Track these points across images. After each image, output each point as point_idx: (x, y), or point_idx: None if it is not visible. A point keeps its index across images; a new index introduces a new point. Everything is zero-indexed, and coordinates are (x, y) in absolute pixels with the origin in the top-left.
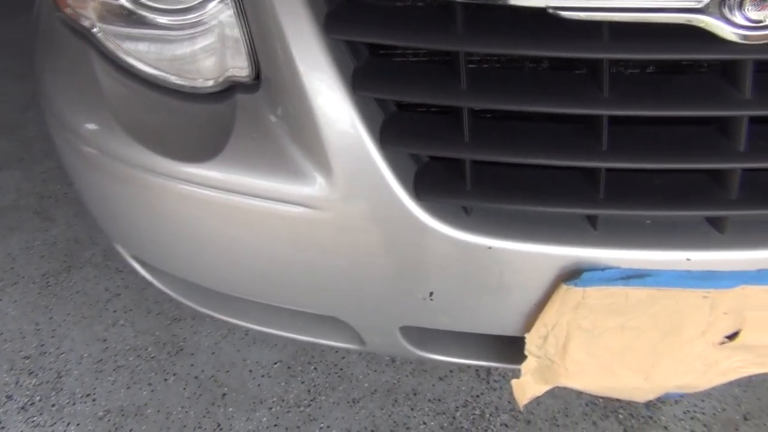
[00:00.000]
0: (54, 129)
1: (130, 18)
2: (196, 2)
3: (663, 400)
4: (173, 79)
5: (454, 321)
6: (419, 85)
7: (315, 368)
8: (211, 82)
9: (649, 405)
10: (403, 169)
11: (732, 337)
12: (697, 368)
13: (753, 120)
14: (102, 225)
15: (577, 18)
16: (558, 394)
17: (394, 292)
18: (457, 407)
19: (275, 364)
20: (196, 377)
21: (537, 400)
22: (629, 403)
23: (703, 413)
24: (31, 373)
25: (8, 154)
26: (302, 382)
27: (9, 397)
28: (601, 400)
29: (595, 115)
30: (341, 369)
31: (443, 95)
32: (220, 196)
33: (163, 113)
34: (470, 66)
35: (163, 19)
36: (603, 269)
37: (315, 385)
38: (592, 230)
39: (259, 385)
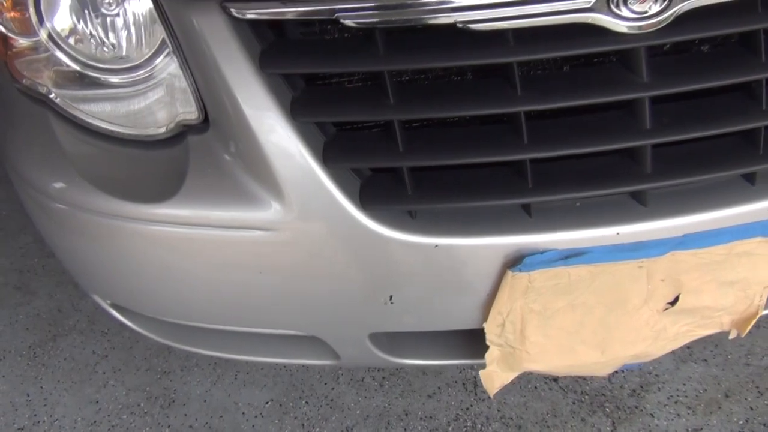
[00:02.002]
0: (23, 192)
1: (83, 81)
2: (144, 59)
3: (646, 389)
4: (129, 131)
5: (417, 321)
6: (351, 106)
7: (306, 402)
8: (163, 129)
9: (633, 394)
10: (349, 184)
11: (673, 302)
12: (647, 336)
13: (656, 100)
14: (76, 277)
15: (483, 29)
16: (545, 396)
17: (357, 301)
18: (448, 422)
19: (267, 403)
20: (190, 426)
21: (525, 405)
22: (614, 396)
23: (686, 396)
24: None
25: None
26: (295, 418)
27: None
28: (586, 396)
29: (513, 113)
30: (332, 400)
31: (373, 111)
32: (182, 231)
33: (123, 162)
34: (400, 81)
35: (114, 79)
36: (542, 252)
37: (308, 419)
38: (528, 218)
39: (253, 426)
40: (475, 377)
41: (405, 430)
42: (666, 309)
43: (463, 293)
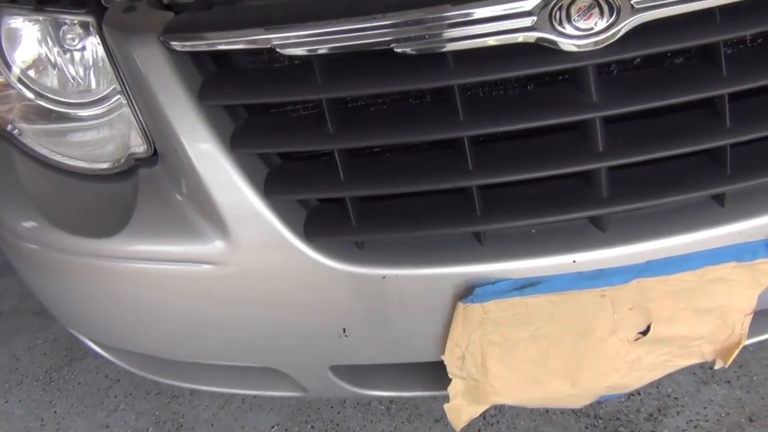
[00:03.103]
0: None
1: (49, 116)
2: (103, 94)
3: (664, 412)
4: (84, 164)
5: (374, 354)
6: (291, 136)
7: (312, 426)
8: (115, 163)
9: (649, 418)
10: (294, 216)
11: (645, 332)
12: (619, 367)
13: (614, 119)
14: (50, 311)
15: (420, 52)
16: (556, 420)
17: (311, 334)
18: None
19: (273, 427)
20: None
21: (535, 429)
22: (630, 420)
23: (707, 420)
24: None
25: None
26: None
27: None
28: (600, 421)
29: (456, 138)
30: (338, 424)
31: (313, 141)
32: (131, 266)
33: (77, 197)
34: (345, 109)
35: (81, 113)
36: (494, 283)
37: None
38: (480, 246)
39: None
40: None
41: None
42: (638, 339)
43: (417, 325)
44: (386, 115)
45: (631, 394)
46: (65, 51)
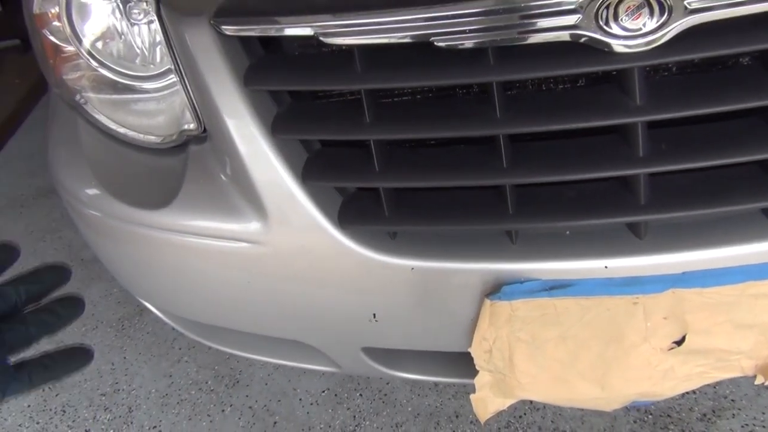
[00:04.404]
0: (59, 192)
1: (114, 87)
2: (165, 68)
3: (718, 414)
4: (140, 136)
5: (403, 340)
6: (329, 124)
7: (360, 395)
8: (167, 138)
9: (702, 418)
10: (330, 202)
11: (680, 342)
12: (651, 375)
13: (662, 123)
14: (109, 270)
15: (461, 47)
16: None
17: (343, 316)
18: (499, 428)
19: (323, 392)
20: (250, 407)
21: (581, 418)
22: (681, 418)
23: (764, 426)
24: (106, 408)
25: None
26: (348, 409)
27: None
28: (650, 416)
29: (494, 135)
30: (385, 395)
31: (350, 130)
32: (176, 238)
33: (133, 168)
34: (382, 101)
35: (145, 85)
36: (523, 282)
37: (360, 411)
38: (511, 244)
39: (308, 413)
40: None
41: (454, 431)
42: (671, 348)
43: (444, 317)
44: (424, 108)
45: (685, 393)
46: (132, 24)
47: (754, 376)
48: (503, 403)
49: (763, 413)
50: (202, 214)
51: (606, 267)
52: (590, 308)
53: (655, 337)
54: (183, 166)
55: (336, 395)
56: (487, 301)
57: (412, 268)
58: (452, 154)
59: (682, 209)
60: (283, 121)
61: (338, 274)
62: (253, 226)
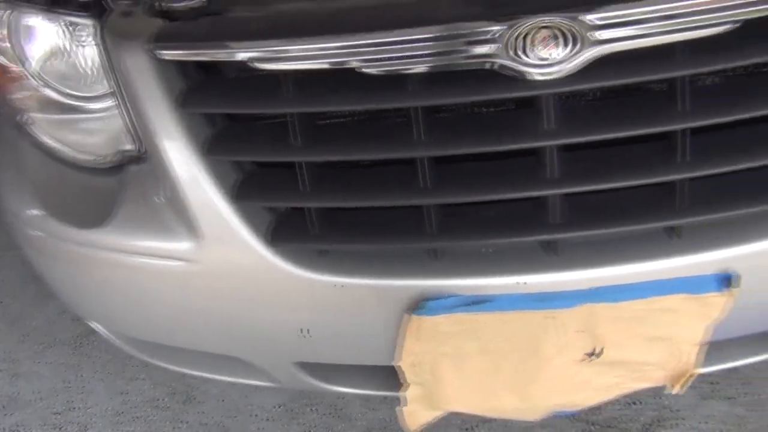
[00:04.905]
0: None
1: (57, 107)
2: (107, 91)
3: (661, 423)
4: (80, 156)
5: (335, 355)
6: (260, 145)
7: (312, 409)
8: (107, 158)
9: (645, 428)
10: (261, 221)
11: (594, 354)
12: (569, 386)
13: (576, 147)
14: (51, 289)
15: (385, 72)
16: (550, 423)
17: (275, 331)
18: None
19: (277, 407)
20: (204, 424)
21: (530, 429)
22: (625, 428)
23: None
24: (60, 428)
25: None
26: (301, 424)
27: None
28: (595, 426)
29: (414, 158)
30: (339, 409)
31: (279, 152)
32: (112, 256)
33: (73, 187)
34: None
35: (90, 105)
36: (444, 298)
37: (313, 426)
38: (434, 261)
39: (261, 428)
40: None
41: None
42: (584, 360)
43: (373, 332)
44: (352, 130)
45: (630, 402)
46: (77, 47)
47: (664, 386)
48: (432, 415)
49: (704, 423)
50: (138, 234)
51: (523, 283)
52: (508, 322)
53: (570, 350)
54: (121, 186)
55: (289, 411)
56: (411, 317)
57: (341, 285)
58: (378, 175)
59: (591, 228)
60: (216, 143)
61: (268, 290)
62: (186, 245)
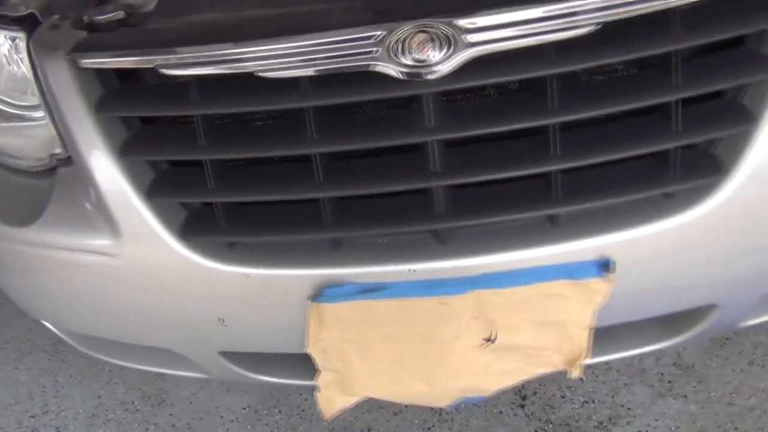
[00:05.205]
0: None
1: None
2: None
3: (614, 421)
4: (15, 160)
5: (254, 343)
6: (170, 146)
7: (279, 411)
8: (40, 161)
9: (599, 426)
10: (175, 216)
11: (490, 339)
12: (471, 371)
13: (450, 143)
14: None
15: (279, 77)
16: (508, 421)
17: (195, 322)
18: None
19: (244, 409)
20: (173, 425)
21: (486, 429)
22: (579, 426)
23: None
24: (34, 430)
25: None
26: (266, 425)
27: None
28: (550, 425)
29: (310, 154)
30: (303, 410)
31: (186, 152)
32: (42, 252)
33: (8, 189)
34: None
35: (28, 113)
36: (342, 285)
37: (278, 427)
38: (334, 251)
39: (228, 430)
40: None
41: None
42: (483, 345)
43: (282, 320)
44: (253, 131)
45: (585, 401)
46: (17, 59)
47: (567, 371)
48: (347, 401)
49: (656, 419)
50: (65, 230)
51: (413, 270)
52: (405, 309)
53: (467, 336)
54: (50, 186)
55: (256, 412)
56: (312, 304)
57: (248, 276)
58: (279, 171)
59: (474, 218)
60: (130, 144)
61: (183, 282)
62: (108, 241)
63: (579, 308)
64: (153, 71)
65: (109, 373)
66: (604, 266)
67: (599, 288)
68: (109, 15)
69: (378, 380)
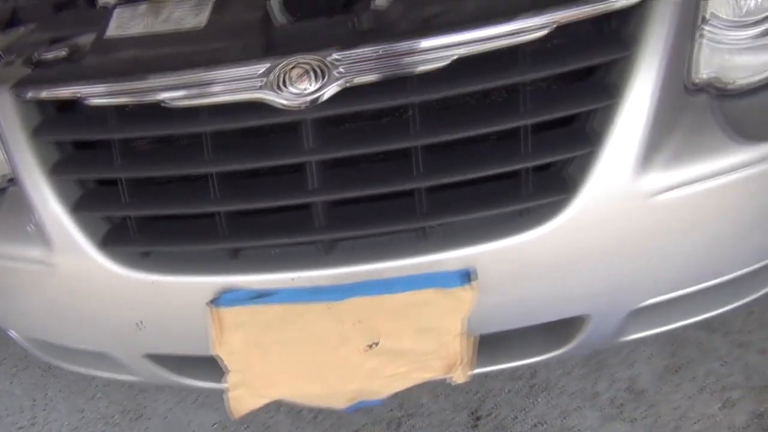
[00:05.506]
0: None
1: None
2: None
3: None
4: None
5: (170, 346)
6: (91, 166)
7: (247, 427)
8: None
9: None
10: (99, 229)
11: (374, 344)
12: (358, 374)
13: (327, 164)
14: None
15: (181, 105)
16: None
17: (118, 325)
18: None
19: (214, 425)
20: None
21: None
22: None
23: None
24: None
25: None
26: None
27: None
28: None
29: (207, 173)
30: (269, 427)
31: (104, 171)
32: None
33: None
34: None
35: None
36: (236, 291)
37: None
38: (233, 261)
39: None
40: (400, 417)
41: None
42: (368, 350)
43: (190, 323)
44: (164, 151)
45: (536, 423)
46: None
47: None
48: (256, 402)
49: None
50: (9, 242)
51: (295, 278)
52: (295, 314)
53: (353, 340)
54: (2, 203)
55: (225, 428)
56: (211, 308)
57: (156, 282)
58: (184, 188)
59: (350, 230)
60: (61, 165)
61: (104, 289)
62: (42, 252)
63: (449, 316)
64: (80, 101)
65: (95, 388)
66: (467, 276)
67: (464, 296)
68: (54, 53)
69: (279, 382)
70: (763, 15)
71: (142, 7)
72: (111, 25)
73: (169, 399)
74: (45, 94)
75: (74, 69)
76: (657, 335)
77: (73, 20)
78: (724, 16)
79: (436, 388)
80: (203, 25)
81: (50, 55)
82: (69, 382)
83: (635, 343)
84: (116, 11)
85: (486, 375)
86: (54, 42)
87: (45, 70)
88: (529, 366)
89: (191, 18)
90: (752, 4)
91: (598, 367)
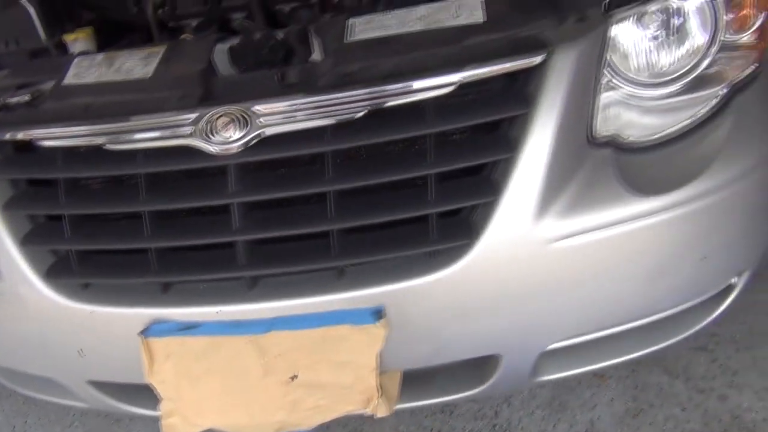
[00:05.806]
0: None
1: None
2: None
3: None
4: None
5: (112, 373)
6: (39, 203)
7: None
8: None
9: None
10: (45, 261)
11: (295, 377)
12: (281, 406)
13: (250, 206)
14: None
15: (119, 149)
16: None
17: (60, 352)
18: None
19: None
20: None
21: None
22: None
23: None
24: None
25: None
26: None
27: None
28: None
29: (139, 212)
30: None
31: (50, 207)
32: None
33: None
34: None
35: None
36: (164, 323)
37: None
38: (163, 294)
39: None
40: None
41: None
42: (289, 382)
43: (126, 353)
44: (107, 190)
45: None
46: None
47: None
48: (190, 431)
49: None
50: None
51: (217, 312)
52: (220, 346)
53: (275, 372)
54: None
55: None
56: (142, 338)
57: (92, 312)
58: (120, 225)
59: (269, 268)
60: (10, 202)
61: (48, 317)
62: None
63: (363, 351)
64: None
65: (72, 417)
66: (377, 313)
67: (376, 333)
68: (18, 98)
69: (209, 411)
70: (665, 78)
71: (99, 57)
72: (69, 73)
73: (142, 429)
74: (8, 136)
75: (32, 113)
76: (617, 378)
77: (43, 67)
78: (626, 77)
79: (399, 426)
80: (149, 75)
81: (14, 100)
82: (48, 411)
83: (596, 386)
84: (76, 60)
85: (451, 413)
86: (21, 87)
87: (7, 114)
88: (454, 402)
89: (140, 68)
90: (650, 67)
91: (560, 409)
